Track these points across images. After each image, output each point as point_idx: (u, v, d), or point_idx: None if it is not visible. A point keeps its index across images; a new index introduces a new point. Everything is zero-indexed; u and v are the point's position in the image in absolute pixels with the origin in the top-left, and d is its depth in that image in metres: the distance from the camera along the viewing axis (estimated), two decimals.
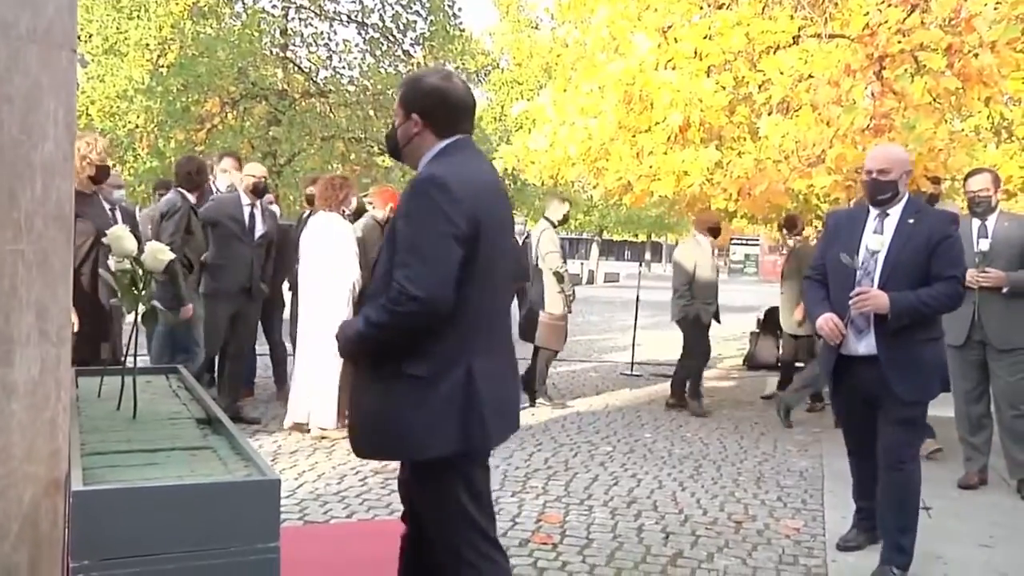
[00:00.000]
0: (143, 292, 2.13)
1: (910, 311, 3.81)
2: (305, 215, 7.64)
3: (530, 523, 4.70)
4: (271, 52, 19.90)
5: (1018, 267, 5.31)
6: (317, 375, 6.35)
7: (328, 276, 6.35)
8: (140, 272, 2.13)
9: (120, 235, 2.08)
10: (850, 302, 3.89)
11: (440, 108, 2.60)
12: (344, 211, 6.55)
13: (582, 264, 38.56)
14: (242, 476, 1.68)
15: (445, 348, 2.46)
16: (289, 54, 20.45)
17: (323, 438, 6.30)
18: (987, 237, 5.38)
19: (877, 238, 3.93)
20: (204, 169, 6.56)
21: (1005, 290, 5.29)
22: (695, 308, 8.03)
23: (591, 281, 35.86)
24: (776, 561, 4.28)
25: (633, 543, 4.45)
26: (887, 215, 4.00)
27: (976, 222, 5.45)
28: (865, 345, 3.98)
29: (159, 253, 2.16)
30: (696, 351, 8.15)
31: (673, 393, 8.30)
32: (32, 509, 1.52)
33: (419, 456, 2.53)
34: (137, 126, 17.44)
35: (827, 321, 4.01)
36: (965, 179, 5.51)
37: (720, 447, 6.70)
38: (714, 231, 8.46)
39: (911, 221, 3.93)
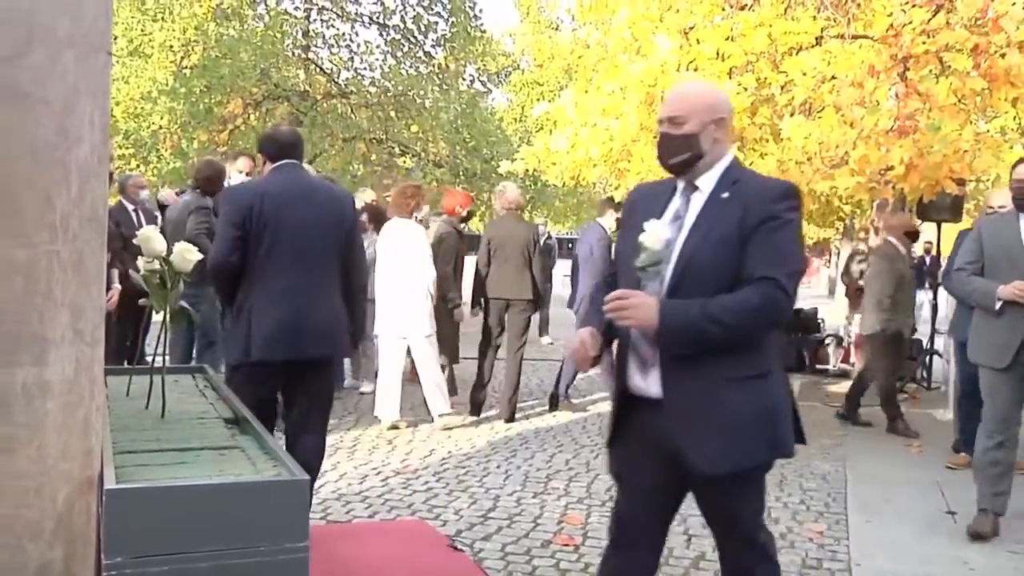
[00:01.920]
0: (171, 292, 2.16)
1: (690, 332, 2.42)
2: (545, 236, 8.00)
3: (552, 524, 4.71)
4: (293, 53, 20.00)
5: None
6: (389, 370, 6.93)
7: (404, 279, 6.83)
8: (169, 272, 2.16)
9: (150, 236, 2.10)
10: (604, 308, 2.53)
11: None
12: (416, 216, 7.03)
13: None
14: (271, 476, 1.70)
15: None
16: (311, 55, 20.55)
17: (394, 428, 6.84)
18: None
19: (653, 227, 2.50)
20: (222, 174, 6.67)
21: None
22: (896, 323, 7.47)
23: None
24: (800, 565, 4.26)
25: None
26: (696, 188, 2.61)
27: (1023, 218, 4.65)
28: (656, 382, 2.58)
29: (187, 253, 2.18)
30: (888, 366, 7.59)
31: (848, 408, 7.81)
32: (66, 507, 1.54)
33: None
34: (161, 127, 17.58)
35: (576, 341, 2.68)
36: (1012, 168, 4.77)
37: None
38: (912, 235, 7.91)
39: (725, 196, 2.55)
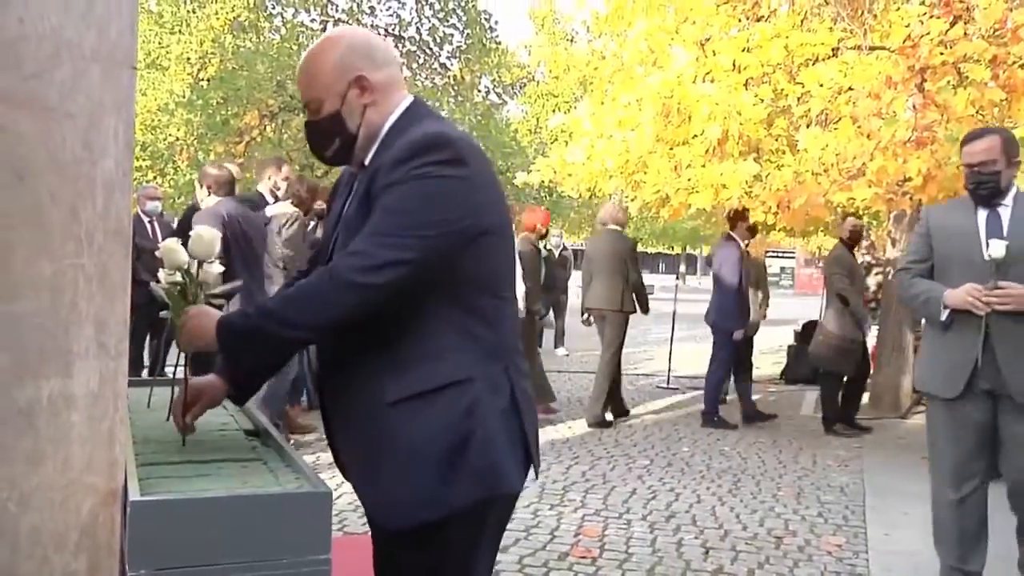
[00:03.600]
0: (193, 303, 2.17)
1: (250, 332, 1.84)
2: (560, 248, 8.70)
3: (569, 536, 4.70)
4: None
5: None
6: None
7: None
8: (191, 284, 2.17)
9: (173, 248, 2.11)
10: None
11: None
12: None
13: None
14: (294, 488, 1.71)
15: None
16: None
17: None
18: (1002, 233, 3.60)
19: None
20: (316, 191, 6.87)
21: None
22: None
23: None
24: None
25: (672, 558, 4.43)
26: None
27: (983, 212, 3.67)
28: None
29: (209, 266, 2.20)
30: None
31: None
32: (91, 519, 1.55)
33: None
34: (177, 139, 17.72)
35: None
36: (961, 146, 3.83)
37: (759, 462, 6.65)
38: None
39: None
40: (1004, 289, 3.45)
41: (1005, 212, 3.63)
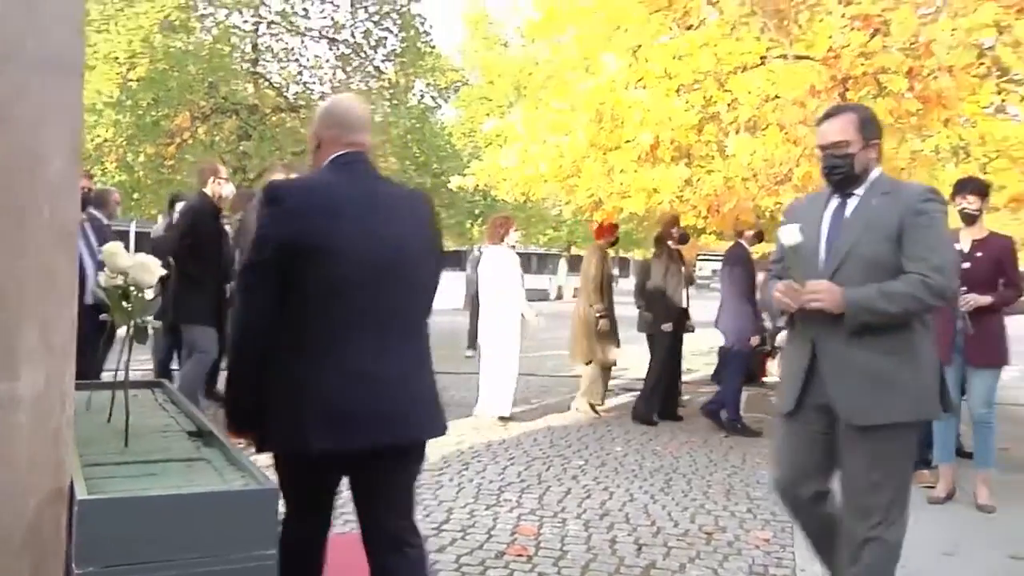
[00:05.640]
0: (133, 307, 2.19)
1: None
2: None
3: (505, 536, 4.76)
4: (242, 67, 19.88)
5: (884, 275, 3.04)
6: (498, 373, 8.05)
7: (498, 296, 8.11)
8: (131, 288, 2.19)
9: (115, 251, 2.13)
10: None
11: None
12: (507, 243, 8.19)
13: (551, 279, 38.66)
14: (240, 485, 1.75)
15: None
16: (260, 69, 20.43)
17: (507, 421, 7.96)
18: (839, 223, 3.21)
19: None
20: (245, 198, 6.97)
21: (847, 320, 3.05)
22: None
23: (560, 296, 35.96)
24: (747, 571, 4.37)
25: (607, 555, 4.53)
26: None
27: (834, 201, 3.28)
28: None
29: (150, 267, 2.22)
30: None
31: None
32: (36, 518, 1.56)
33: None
34: (106, 140, 17.34)
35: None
36: (818, 124, 3.42)
37: (690, 460, 6.80)
38: None
39: None
40: (812, 289, 3.05)
41: (854, 201, 3.21)
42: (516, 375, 8.22)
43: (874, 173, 3.22)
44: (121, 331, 2.26)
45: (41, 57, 1.54)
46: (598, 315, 8.37)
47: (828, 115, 3.31)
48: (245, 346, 2.29)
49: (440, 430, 2.65)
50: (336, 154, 2.63)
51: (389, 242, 2.52)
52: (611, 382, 9.34)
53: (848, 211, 3.18)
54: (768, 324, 9.08)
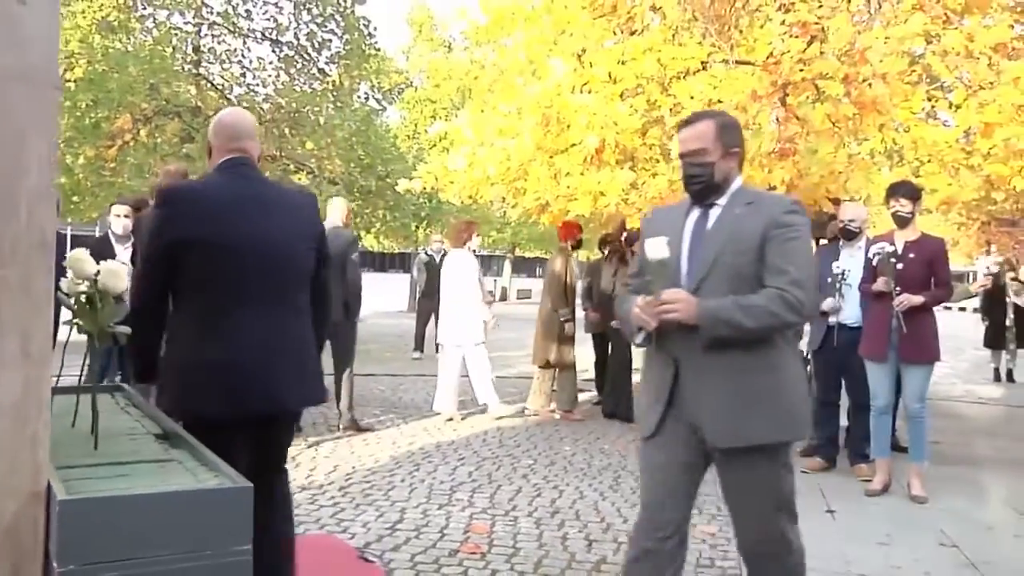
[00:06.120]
0: (100, 314, 2.23)
1: None
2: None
3: (458, 534, 4.83)
4: (184, 69, 19.61)
5: (749, 288, 2.86)
6: (449, 373, 8.39)
7: (458, 298, 8.39)
8: (98, 295, 2.23)
9: (81, 258, 2.17)
10: None
11: None
12: (469, 247, 8.53)
13: (495, 281, 38.79)
14: (215, 484, 1.80)
15: None
16: (202, 71, 20.17)
17: (450, 420, 8.29)
18: (702, 234, 3.01)
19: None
20: None
21: (702, 333, 2.83)
22: None
23: (504, 298, 36.12)
24: (693, 564, 4.50)
25: (558, 551, 4.62)
26: None
27: (695, 212, 3.08)
28: None
29: (117, 275, 2.25)
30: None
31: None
32: (15, 520, 1.60)
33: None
34: None
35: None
36: (678, 130, 3.22)
37: (638, 459, 6.91)
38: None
39: None
40: (665, 296, 2.83)
41: (716, 212, 3.02)
42: (490, 369, 8.62)
43: (736, 183, 3.04)
44: (80, 337, 2.29)
45: (19, 71, 1.58)
46: (563, 319, 8.51)
47: (686, 122, 3.12)
48: (139, 321, 2.73)
49: (319, 398, 3.26)
50: (223, 159, 3.08)
51: (270, 235, 2.96)
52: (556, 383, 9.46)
53: (710, 222, 2.99)
54: None
